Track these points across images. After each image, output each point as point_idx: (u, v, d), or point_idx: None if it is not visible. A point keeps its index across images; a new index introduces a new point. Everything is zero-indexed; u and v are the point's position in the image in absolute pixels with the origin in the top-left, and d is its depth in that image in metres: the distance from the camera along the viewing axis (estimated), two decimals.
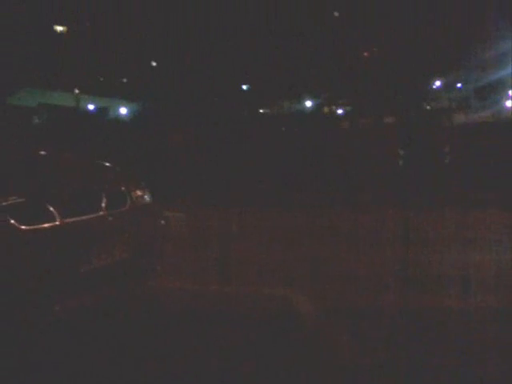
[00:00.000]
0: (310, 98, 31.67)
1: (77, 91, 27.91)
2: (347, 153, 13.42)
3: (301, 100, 31.57)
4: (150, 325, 3.99)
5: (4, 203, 3.13)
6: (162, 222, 4.14)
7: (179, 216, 8.58)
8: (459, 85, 34.53)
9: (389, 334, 3.84)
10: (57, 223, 3.26)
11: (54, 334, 3.50)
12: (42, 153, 4.34)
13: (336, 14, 30.55)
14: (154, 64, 28.20)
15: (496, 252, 6.36)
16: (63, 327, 3.51)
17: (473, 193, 11.34)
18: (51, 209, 3.27)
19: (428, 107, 31.90)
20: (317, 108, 31.25)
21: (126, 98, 27.95)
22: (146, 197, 4.10)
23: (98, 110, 27.10)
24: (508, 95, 30.55)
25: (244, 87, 31.53)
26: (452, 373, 3.20)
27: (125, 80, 29.20)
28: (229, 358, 3.43)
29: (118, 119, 23.44)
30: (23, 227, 3.11)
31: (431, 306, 4.43)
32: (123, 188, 3.87)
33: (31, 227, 3.15)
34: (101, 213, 3.56)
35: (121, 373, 3.25)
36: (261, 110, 32.37)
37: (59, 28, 26.61)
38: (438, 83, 34.78)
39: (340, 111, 33.09)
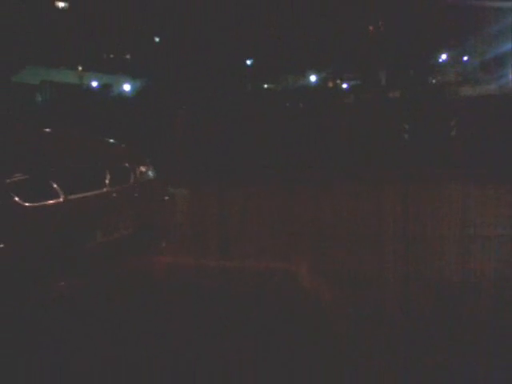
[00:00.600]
0: (315, 73, 31.42)
1: (80, 68, 27.78)
2: (352, 127, 13.34)
3: (305, 75, 31.33)
4: (155, 300, 4.01)
5: (8, 180, 3.12)
6: (167, 197, 4.13)
7: (182, 192, 8.59)
8: (465, 58, 34.16)
9: (390, 307, 3.85)
10: (60, 200, 3.25)
11: (59, 309, 3.52)
12: (45, 130, 4.33)
13: None
14: (156, 40, 27.98)
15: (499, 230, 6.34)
16: (68, 303, 3.53)
17: (479, 167, 11.28)
18: (55, 186, 3.26)
19: (434, 81, 31.64)
20: (321, 82, 31.04)
21: (130, 75, 27.81)
22: (149, 173, 4.08)
23: (101, 87, 27.00)
24: None
25: (248, 62, 31.27)
26: (454, 354, 3.20)
27: (128, 56, 29.02)
28: (231, 332, 3.45)
29: (122, 96, 23.36)
30: (27, 204, 3.11)
31: (433, 280, 4.43)
32: (127, 164, 3.86)
33: (35, 204, 3.15)
34: (105, 189, 3.55)
35: (122, 348, 3.27)
36: (265, 85, 32.16)
37: (61, 4, 26.38)
38: (443, 57, 34.41)
39: (345, 86, 32.86)
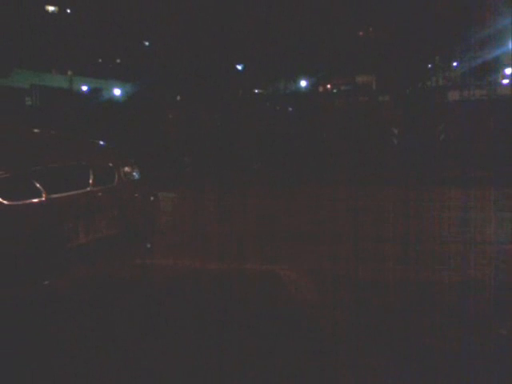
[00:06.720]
0: (305, 78, 31.50)
1: (70, 72, 27.68)
2: (341, 131, 13.37)
3: (296, 80, 31.39)
4: (139, 301, 3.98)
5: None
6: (152, 198, 4.10)
7: (169, 196, 8.56)
8: (455, 64, 34.40)
9: (382, 307, 3.84)
10: (43, 199, 3.22)
11: (43, 310, 3.48)
12: (29, 130, 4.29)
13: None
14: (146, 44, 27.93)
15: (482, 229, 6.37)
16: (52, 303, 3.49)
17: (467, 170, 11.32)
18: (37, 185, 3.23)
19: (424, 86, 31.78)
20: (312, 87, 31.10)
21: (120, 79, 27.73)
22: (134, 173, 4.06)
23: (91, 91, 26.92)
24: (504, 73, 30.47)
25: (239, 67, 31.28)
26: (447, 352, 3.19)
27: (118, 61, 28.93)
28: (217, 334, 3.42)
29: (112, 100, 23.29)
30: (7, 203, 3.07)
31: (422, 280, 4.43)
32: (111, 164, 3.83)
33: (17, 203, 3.11)
34: (88, 189, 3.52)
35: (109, 352, 3.23)
36: (256, 90, 32.17)
37: (51, 8, 26.29)
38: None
39: (335, 90, 32.95)
